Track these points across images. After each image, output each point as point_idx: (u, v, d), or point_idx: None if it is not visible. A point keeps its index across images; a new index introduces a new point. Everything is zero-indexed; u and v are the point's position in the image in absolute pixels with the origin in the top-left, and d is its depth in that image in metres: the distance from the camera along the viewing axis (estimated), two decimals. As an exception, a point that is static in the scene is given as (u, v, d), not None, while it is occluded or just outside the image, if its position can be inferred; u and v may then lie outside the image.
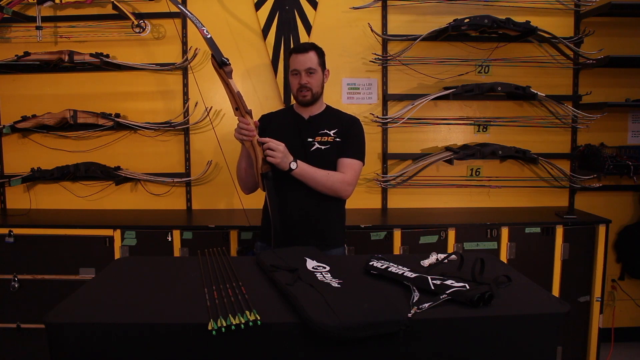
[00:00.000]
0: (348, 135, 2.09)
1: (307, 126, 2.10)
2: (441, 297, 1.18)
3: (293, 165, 1.93)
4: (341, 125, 2.10)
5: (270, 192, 1.94)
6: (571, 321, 2.77)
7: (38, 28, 2.87)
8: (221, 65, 1.84)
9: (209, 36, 1.93)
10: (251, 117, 1.91)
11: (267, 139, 1.91)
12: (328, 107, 2.18)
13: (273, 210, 1.95)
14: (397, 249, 2.68)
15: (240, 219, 2.68)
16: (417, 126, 3.15)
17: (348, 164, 2.05)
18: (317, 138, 2.06)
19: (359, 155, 2.10)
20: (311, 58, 2.04)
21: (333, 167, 2.05)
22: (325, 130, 2.08)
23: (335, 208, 2.14)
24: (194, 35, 3.05)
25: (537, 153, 3.10)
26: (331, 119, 2.12)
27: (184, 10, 2.09)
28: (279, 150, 1.89)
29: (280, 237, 1.95)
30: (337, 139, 2.07)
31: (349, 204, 2.31)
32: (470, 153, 2.98)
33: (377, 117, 3.09)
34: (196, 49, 3.02)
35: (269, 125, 2.11)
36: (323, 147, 2.04)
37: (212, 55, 1.86)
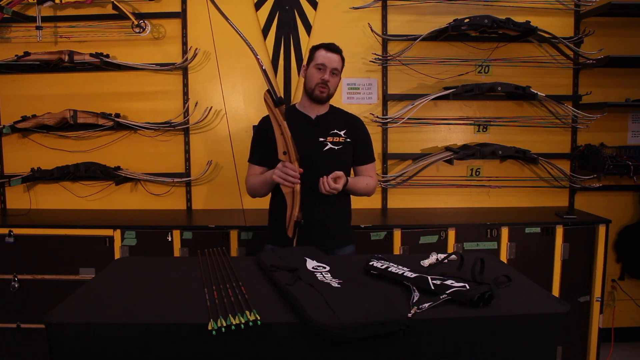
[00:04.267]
0: (360, 139, 2.15)
1: (316, 126, 2.10)
2: (441, 297, 1.18)
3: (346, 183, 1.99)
4: (348, 125, 2.13)
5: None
6: (571, 321, 2.77)
7: (38, 28, 2.87)
8: (277, 103, 1.74)
9: (263, 67, 1.77)
10: (298, 164, 1.83)
11: (324, 178, 1.88)
12: (332, 107, 2.19)
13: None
14: (397, 249, 2.68)
15: (240, 219, 2.67)
16: (417, 126, 3.15)
17: (371, 169, 2.20)
18: (328, 138, 2.06)
19: (374, 156, 2.24)
20: (339, 60, 2.08)
21: (345, 166, 2.09)
22: (336, 131, 2.09)
23: (345, 208, 2.19)
24: (194, 35, 3.05)
25: (537, 153, 3.10)
26: (338, 119, 2.14)
27: (239, 32, 1.81)
28: (342, 177, 1.92)
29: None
30: (348, 139, 2.10)
31: (348, 204, 2.32)
32: (470, 153, 2.98)
33: (377, 117, 3.09)
34: (196, 49, 3.02)
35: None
36: (336, 148, 2.06)
37: (268, 91, 1.75)
